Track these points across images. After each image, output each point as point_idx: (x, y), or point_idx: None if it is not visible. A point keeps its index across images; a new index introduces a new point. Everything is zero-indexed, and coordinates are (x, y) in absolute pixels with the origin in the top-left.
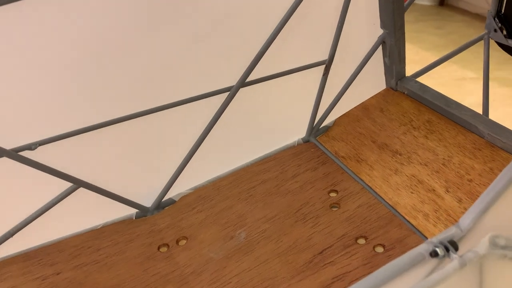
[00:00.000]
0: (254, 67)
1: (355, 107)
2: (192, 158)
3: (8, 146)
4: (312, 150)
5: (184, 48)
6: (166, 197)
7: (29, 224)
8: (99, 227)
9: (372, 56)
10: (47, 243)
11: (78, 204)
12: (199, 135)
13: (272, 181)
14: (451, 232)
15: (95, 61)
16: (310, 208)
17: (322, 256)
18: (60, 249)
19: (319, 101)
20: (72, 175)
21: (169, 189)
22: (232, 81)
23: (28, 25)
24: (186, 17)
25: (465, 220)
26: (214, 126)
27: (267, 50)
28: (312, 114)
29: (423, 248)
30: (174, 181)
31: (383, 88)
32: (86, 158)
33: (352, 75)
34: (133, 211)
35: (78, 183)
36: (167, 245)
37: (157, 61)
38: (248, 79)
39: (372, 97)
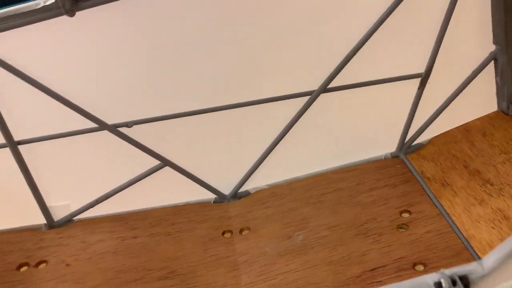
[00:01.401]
0: (338, 73)
1: (456, 128)
2: (273, 156)
3: (110, 121)
4: (398, 166)
5: (269, 49)
6: (243, 189)
7: (121, 192)
8: (180, 205)
9: (480, 74)
10: (134, 210)
11: (163, 181)
12: (279, 134)
13: (346, 190)
14: (469, 267)
15: (192, 55)
16: (376, 225)
17: (372, 273)
18: (143, 217)
19: (413, 116)
20: (161, 154)
21: (245, 181)
22: (315, 85)
23: (131, 20)
24: (271, 18)
25: (490, 258)
26: (296, 129)
27: (355, 57)
28: (404, 129)
29: (431, 277)
30: (251, 174)
31: (493, 111)
32: (175, 142)
33: (454, 92)
34: (211, 196)
35: (165, 162)
36: (231, 232)
37: (245, 60)
38: (332, 85)
39: (477, 118)
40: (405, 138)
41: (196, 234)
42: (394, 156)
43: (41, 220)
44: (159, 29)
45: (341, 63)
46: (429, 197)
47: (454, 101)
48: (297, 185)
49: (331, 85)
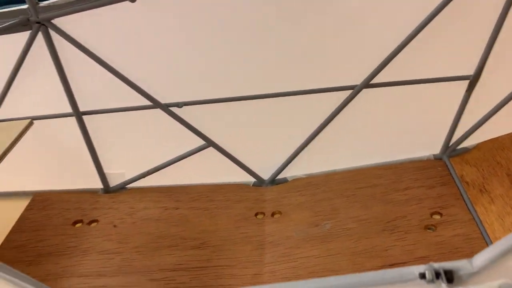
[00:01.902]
0: (382, 69)
1: (506, 135)
2: (313, 147)
3: (162, 101)
4: (439, 168)
5: (317, 41)
6: (281, 176)
7: (168, 167)
8: (220, 184)
9: None
10: (178, 185)
11: (206, 161)
12: (319, 125)
13: (381, 187)
14: (458, 264)
15: (244, 45)
16: (404, 223)
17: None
18: (185, 191)
19: (459, 119)
20: (207, 135)
21: (284, 168)
22: (359, 80)
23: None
24: (321, 11)
25: (480, 257)
26: (337, 122)
27: (401, 54)
28: (449, 132)
29: (418, 268)
30: (290, 162)
31: None
32: (221, 125)
33: (505, 98)
34: (250, 179)
35: (209, 143)
36: (263, 213)
37: (294, 51)
38: (376, 81)
39: None
40: (449, 141)
41: (231, 212)
42: (437, 158)
43: (99, 185)
44: (217, 17)
45: (385, 59)
46: (464, 201)
47: (505, 107)
48: (334, 177)
49: (374, 81)
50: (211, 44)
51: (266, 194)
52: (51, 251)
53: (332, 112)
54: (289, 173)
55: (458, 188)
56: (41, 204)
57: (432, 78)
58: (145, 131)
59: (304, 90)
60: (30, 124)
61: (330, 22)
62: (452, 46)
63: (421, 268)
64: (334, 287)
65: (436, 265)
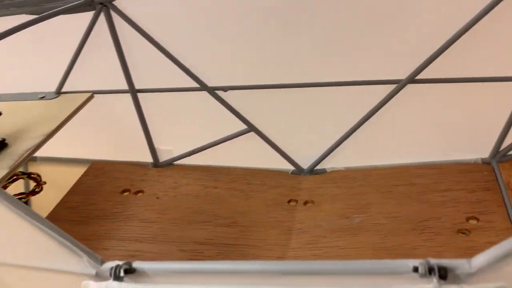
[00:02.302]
0: (429, 64)
1: None
2: (355, 140)
3: (209, 84)
4: (486, 173)
5: (365, 31)
6: (320, 166)
7: (212, 148)
8: (259, 169)
9: None
10: (219, 166)
11: (248, 145)
12: (360, 119)
13: (420, 186)
14: (456, 262)
15: (291, 31)
16: (437, 224)
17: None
18: (225, 173)
19: (511, 124)
20: (249, 120)
21: (323, 159)
22: (403, 74)
23: None
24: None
25: (479, 258)
26: (381, 117)
27: (451, 49)
28: (500, 135)
29: (414, 261)
30: (330, 153)
31: None
32: (264, 111)
33: None
34: (289, 166)
35: (251, 128)
36: (296, 201)
37: (341, 40)
38: (422, 77)
39: None
40: (500, 145)
41: (265, 196)
42: (486, 163)
43: (149, 159)
44: (266, 3)
45: (434, 53)
46: (506, 209)
47: None
48: (372, 172)
49: (420, 76)
50: (258, 31)
51: (302, 182)
52: (98, 214)
53: (375, 106)
54: (329, 164)
55: (502, 195)
56: (96, 172)
57: (485, 77)
58: (192, 112)
59: (348, 81)
60: (91, 97)
61: (379, 11)
62: (506, 44)
63: (416, 262)
64: (328, 271)
65: (433, 260)
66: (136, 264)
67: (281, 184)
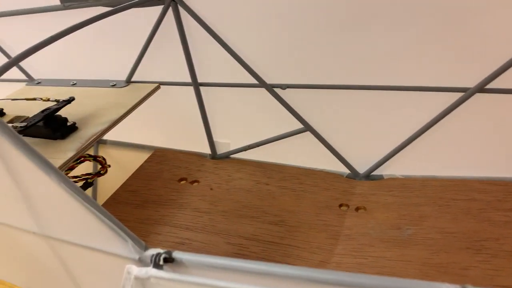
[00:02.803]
0: (501, 73)
1: None
2: (415, 149)
3: (268, 81)
4: None
5: (432, 36)
6: (377, 172)
7: (267, 144)
8: (313, 169)
9: None
10: (273, 163)
11: (303, 144)
12: (422, 126)
13: (482, 203)
14: None
15: (355, 33)
16: (495, 245)
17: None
18: (278, 170)
19: None
20: (306, 120)
21: (381, 165)
22: (472, 83)
23: None
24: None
25: None
26: (444, 126)
27: None
28: None
29: (449, 286)
30: (388, 160)
31: None
32: (321, 111)
33: None
34: (344, 170)
35: (308, 128)
36: (347, 206)
37: (406, 44)
38: (492, 86)
39: None
40: None
41: (315, 198)
42: None
43: (207, 150)
44: (330, 3)
45: (507, 62)
46: None
47: None
48: (431, 183)
49: (490, 86)
50: (321, 31)
51: (356, 187)
52: (155, 200)
53: (439, 113)
54: (386, 171)
55: None
56: (158, 158)
57: None
58: (250, 108)
59: (411, 86)
60: (157, 87)
61: (451, 13)
62: None
63: (453, 287)
64: (358, 284)
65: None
66: (176, 254)
67: (333, 187)
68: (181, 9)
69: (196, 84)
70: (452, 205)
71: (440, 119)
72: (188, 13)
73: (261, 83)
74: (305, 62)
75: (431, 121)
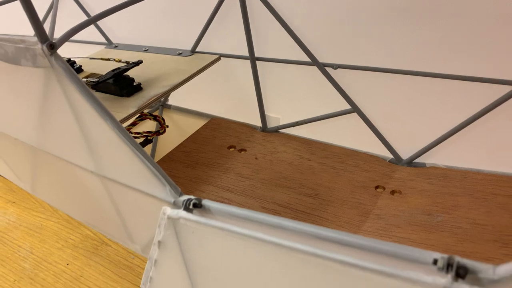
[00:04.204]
0: None
1: None
2: (463, 139)
3: (321, 60)
4: None
5: (493, 25)
6: (420, 160)
7: (314, 122)
8: (357, 151)
9: None
10: (318, 140)
11: (349, 125)
12: (469, 116)
13: None
14: (480, 266)
15: (415, 17)
16: None
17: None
18: (322, 148)
19: None
20: (354, 101)
21: (425, 153)
22: None
23: None
24: None
25: (506, 267)
26: (496, 118)
27: None
28: None
29: (437, 254)
30: (432, 148)
31: None
32: (371, 94)
33: None
34: (387, 154)
35: (355, 109)
36: (383, 188)
37: (464, 33)
38: None
39: None
40: None
41: (354, 178)
42: None
43: (258, 123)
44: None
45: None
46: None
47: None
48: (473, 176)
49: None
50: (377, 15)
51: (396, 172)
52: (204, 162)
53: (488, 106)
54: (431, 159)
55: None
56: (213, 126)
57: None
58: (302, 85)
59: (462, 76)
60: (218, 59)
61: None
62: None
63: (438, 255)
64: (355, 245)
65: (458, 258)
66: (205, 202)
67: (374, 169)
68: None
69: (253, 58)
70: (489, 199)
71: (489, 111)
72: None
73: (314, 62)
74: (358, 44)
75: (479, 112)
